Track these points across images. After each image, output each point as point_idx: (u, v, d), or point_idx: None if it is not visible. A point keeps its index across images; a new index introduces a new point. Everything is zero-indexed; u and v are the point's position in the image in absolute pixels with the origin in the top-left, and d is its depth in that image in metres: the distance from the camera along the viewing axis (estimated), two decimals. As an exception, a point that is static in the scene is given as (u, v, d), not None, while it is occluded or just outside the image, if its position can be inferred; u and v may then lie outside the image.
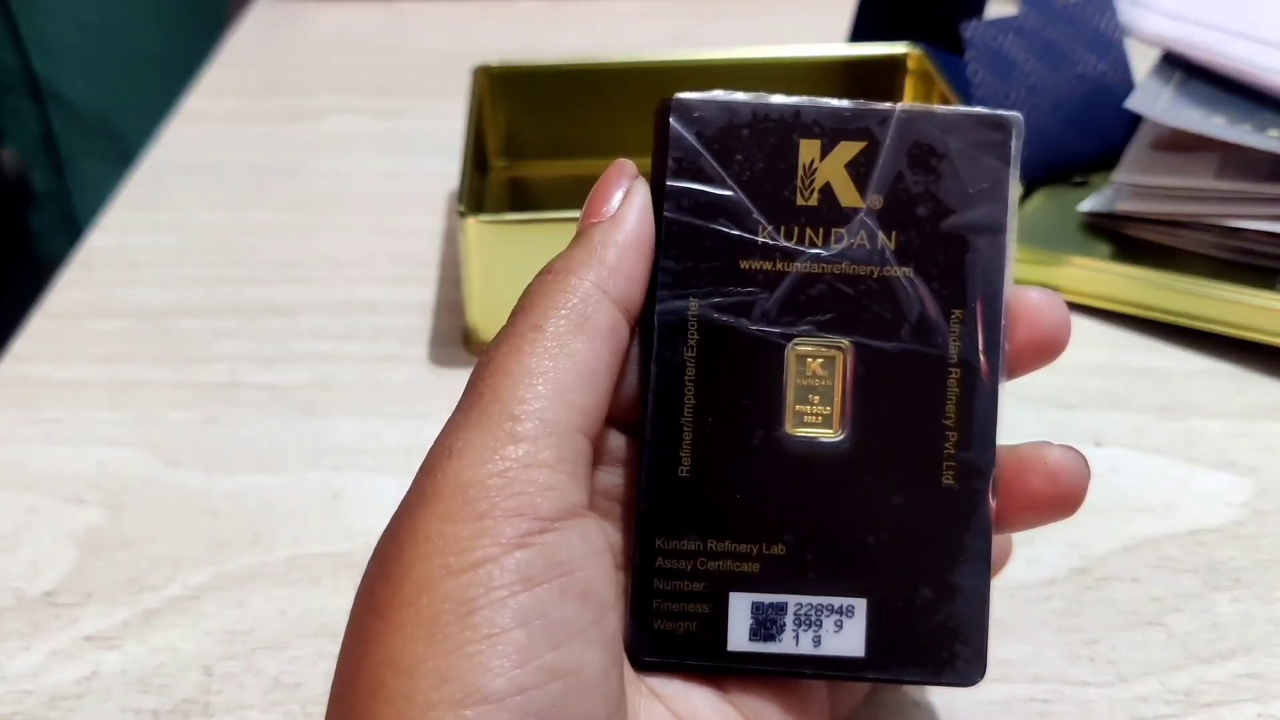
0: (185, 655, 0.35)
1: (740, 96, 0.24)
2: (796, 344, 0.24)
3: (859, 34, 0.63)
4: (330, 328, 0.50)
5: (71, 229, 0.87)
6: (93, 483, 0.41)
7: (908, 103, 0.25)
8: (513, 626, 0.20)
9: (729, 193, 0.24)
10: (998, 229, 0.24)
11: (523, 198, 0.58)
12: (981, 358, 0.24)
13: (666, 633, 0.24)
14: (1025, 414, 0.44)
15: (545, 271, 0.24)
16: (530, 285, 0.24)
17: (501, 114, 0.58)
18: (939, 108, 0.24)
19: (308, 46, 0.80)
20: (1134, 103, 0.51)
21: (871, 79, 0.58)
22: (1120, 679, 0.33)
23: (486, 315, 0.47)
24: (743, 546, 0.24)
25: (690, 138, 0.24)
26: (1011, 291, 0.24)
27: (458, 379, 0.47)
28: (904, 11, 0.61)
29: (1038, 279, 0.50)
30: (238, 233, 0.57)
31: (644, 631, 0.24)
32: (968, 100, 0.53)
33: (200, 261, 0.55)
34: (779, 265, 0.24)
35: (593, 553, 0.22)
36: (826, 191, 0.24)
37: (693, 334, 0.24)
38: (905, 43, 0.58)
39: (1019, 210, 0.49)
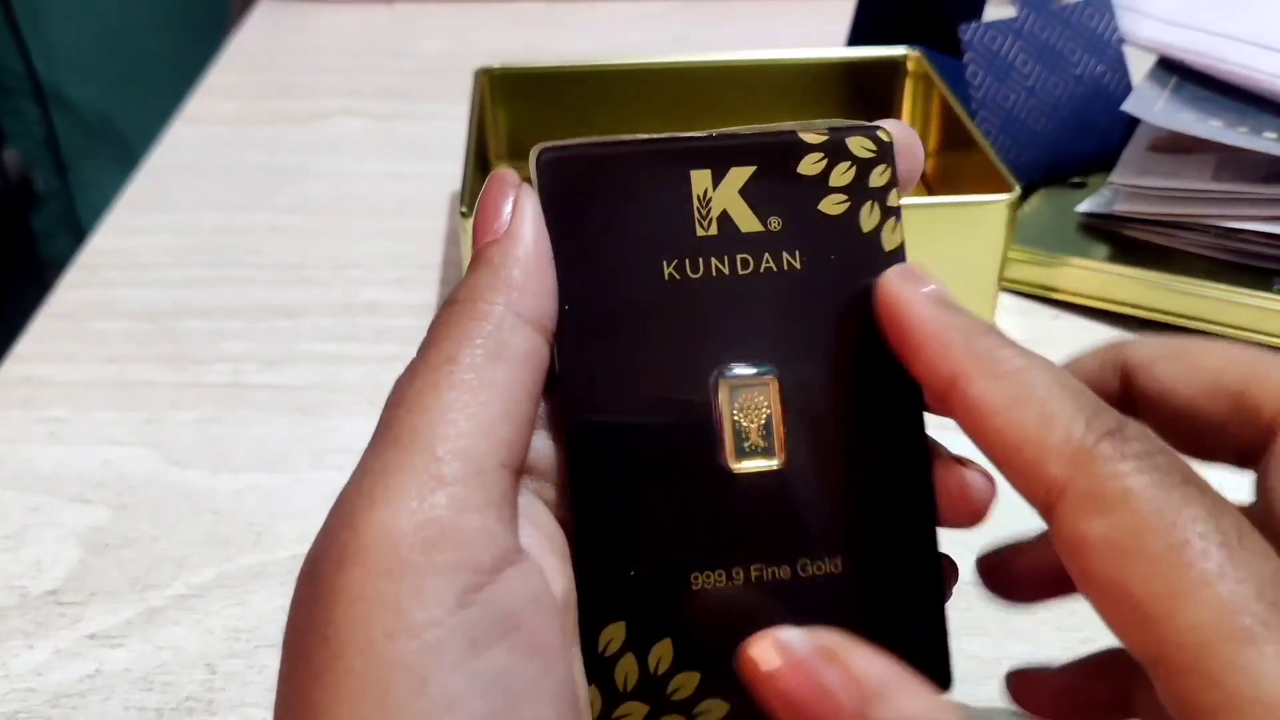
0: (189, 653, 0.35)
1: (613, 139, 0.24)
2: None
3: (858, 37, 0.63)
4: (333, 328, 0.50)
5: (75, 230, 0.87)
6: (97, 482, 0.42)
7: (795, 123, 0.24)
8: (468, 694, 0.19)
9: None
10: (888, 223, 0.24)
11: (524, 199, 0.58)
12: (901, 364, 0.23)
13: None
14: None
15: (451, 301, 0.22)
16: (437, 318, 0.22)
17: (503, 116, 0.58)
18: (824, 122, 0.24)
19: (310, 49, 0.80)
20: (1131, 105, 0.51)
21: (871, 81, 0.58)
22: (1117, 677, 0.33)
23: (488, 316, 0.47)
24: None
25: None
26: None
27: (459, 379, 0.47)
28: (903, 14, 0.61)
29: (1036, 280, 0.51)
30: (241, 234, 0.57)
31: None
32: (968, 103, 0.53)
33: (203, 262, 0.55)
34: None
35: (533, 600, 0.20)
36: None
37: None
38: (904, 45, 0.59)
39: (1020, 213, 0.49)
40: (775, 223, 0.24)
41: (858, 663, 0.20)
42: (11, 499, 0.41)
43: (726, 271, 0.23)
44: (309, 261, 0.55)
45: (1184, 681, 0.19)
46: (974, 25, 0.53)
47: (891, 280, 0.23)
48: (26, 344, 0.50)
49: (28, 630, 0.36)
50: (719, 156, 0.24)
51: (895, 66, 0.59)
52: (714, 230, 0.23)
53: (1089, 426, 0.20)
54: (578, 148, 0.23)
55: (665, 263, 0.23)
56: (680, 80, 0.59)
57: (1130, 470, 0.19)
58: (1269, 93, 0.49)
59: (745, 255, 0.24)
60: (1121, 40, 0.56)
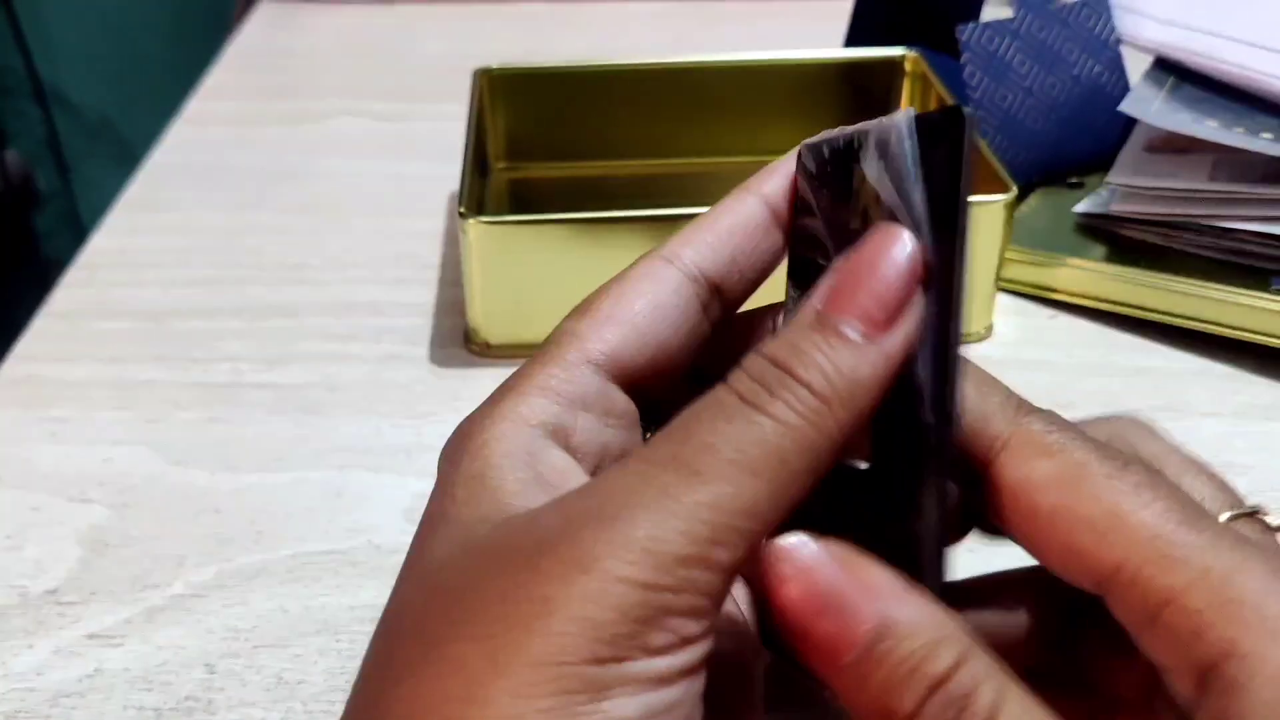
0: (188, 653, 0.35)
1: (839, 130, 0.25)
2: None
3: (856, 38, 0.63)
4: (333, 328, 0.50)
5: (76, 230, 0.87)
6: (97, 481, 0.42)
7: (901, 113, 0.24)
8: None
9: (818, 223, 0.25)
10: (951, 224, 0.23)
11: (523, 200, 0.58)
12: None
13: None
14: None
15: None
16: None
17: (502, 117, 0.59)
18: (911, 112, 0.24)
19: (310, 50, 0.80)
20: (1128, 106, 0.51)
21: (868, 82, 0.59)
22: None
23: (487, 316, 0.47)
24: None
25: (803, 176, 0.25)
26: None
27: (459, 379, 0.48)
28: (901, 15, 0.61)
29: (1033, 279, 0.51)
30: (241, 234, 0.57)
31: None
32: (965, 102, 0.53)
33: (204, 262, 0.55)
34: None
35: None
36: (864, 215, 0.24)
37: None
38: (902, 46, 0.59)
39: (1017, 213, 0.49)
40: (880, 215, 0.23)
41: (868, 569, 0.20)
42: (12, 498, 0.41)
43: None
44: (309, 261, 0.55)
45: (1144, 576, 0.20)
46: (971, 26, 0.53)
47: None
48: (27, 343, 0.50)
49: (27, 629, 0.36)
50: (871, 150, 0.24)
51: (893, 67, 0.59)
52: (858, 224, 0.24)
53: (1019, 404, 0.23)
54: (821, 138, 0.25)
55: (823, 258, 0.24)
56: (680, 80, 0.59)
57: (1057, 430, 0.22)
58: (1266, 93, 0.49)
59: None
60: (1119, 40, 0.56)
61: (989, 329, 0.49)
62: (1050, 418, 0.23)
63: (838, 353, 0.21)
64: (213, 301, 0.52)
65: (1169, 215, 0.49)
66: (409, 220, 0.58)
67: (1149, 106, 0.51)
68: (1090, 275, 0.49)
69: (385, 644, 0.20)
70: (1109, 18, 0.56)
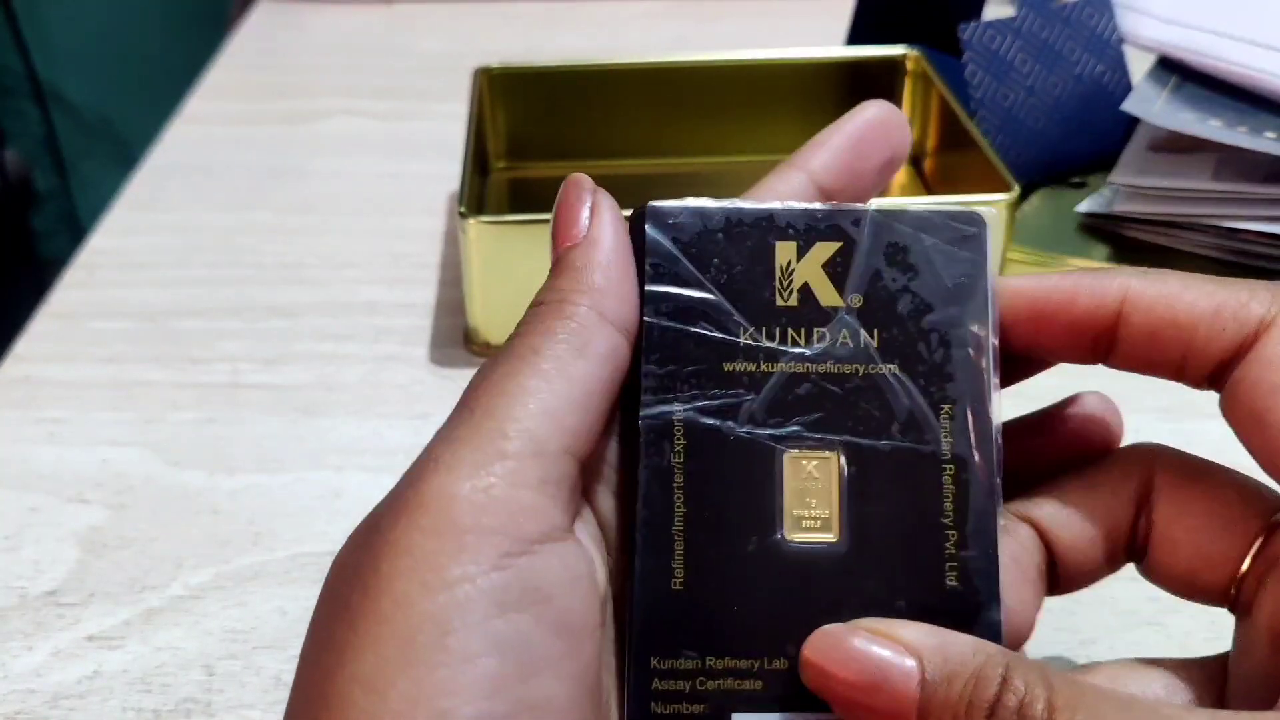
0: (187, 654, 0.35)
1: (713, 202, 0.24)
2: (788, 446, 0.23)
3: (857, 36, 0.63)
4: (331, 328, 0.50)
5: (74, 230, 0.87)
6: (95, 482, 0.42)
7: (880, 201, 0.25)
8: (485, 653, 0.20)
9: (709, 295, 0.24)
10: (978, 322, 0.24)
11: (523, 199, 0.58)
12: (975, 453, 0.23)
13: None
14: (1024, 414, 0.44)
15: (537, 303, 0.23)
16: (525, 316, 0.23)
17: (502, 115, 0.58)
18: (912, 207, 0.24)
19: (309, 49, 0.80)
20: (1131, 105, 0.51)
21: (870, 81, 0.58)
22: (1116, 678, 0.33)
23: (487, 316, 0.47)
24: (743, 663, 0.22)
25: (666, 243, 0.24)
26: (997, 389, 0.24)
27: (458, 379, 0.47)
28: (902, 14, 0.61)
29: (1036, 280, 0.51)
30: (239, 234, 0.57)
31: None
32: (967, 102, 0.53)
33: (202, 262, 0.55)
34: (763, 366, 0.23)
35: (572, 579, 0.21)
36: (805, 291, 0.24)
37: (679, 439, 0.23)
38: (903, 45, 0.58)
39: (1019, 212, 0.49)
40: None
41: (903, 633, 0.21)
42: (10, 499, 0.41)
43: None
44: (308, 261, 0.55)
45: None
46: (973, 24, 0.53)
47: (1012, 283, 0.25)
48: (25, 344, 0.50)
49: (26, 631, 0.36)
50: (805, 231, 0.24)
51: (894, 66, 0.59)
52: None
53: (1266, 286, 0.23)
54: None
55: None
56: (680, 80, 0.59)
57: None
58: (1269, 92, 0.49)
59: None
60: (1121, 40, 0.56)
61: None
62: None
63: None
64: (211, 301, 0.52)
65: (1172, 215, 0.49)
66: (408, 220, 0.58)
67: (1152, 106, 0.51)
68: (1092, 275, 0.49)
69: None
70: (1111, 16, 0.56)
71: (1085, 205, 0.52)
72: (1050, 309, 0.24)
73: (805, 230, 0.24)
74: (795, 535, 0.23)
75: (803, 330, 0.24)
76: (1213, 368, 0.23)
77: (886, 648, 0.21)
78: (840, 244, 0.24)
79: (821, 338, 0.24)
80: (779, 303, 0.24)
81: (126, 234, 0.58)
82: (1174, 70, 0.53)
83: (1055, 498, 0.26)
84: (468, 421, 0.22)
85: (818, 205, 0.24)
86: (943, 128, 0.56)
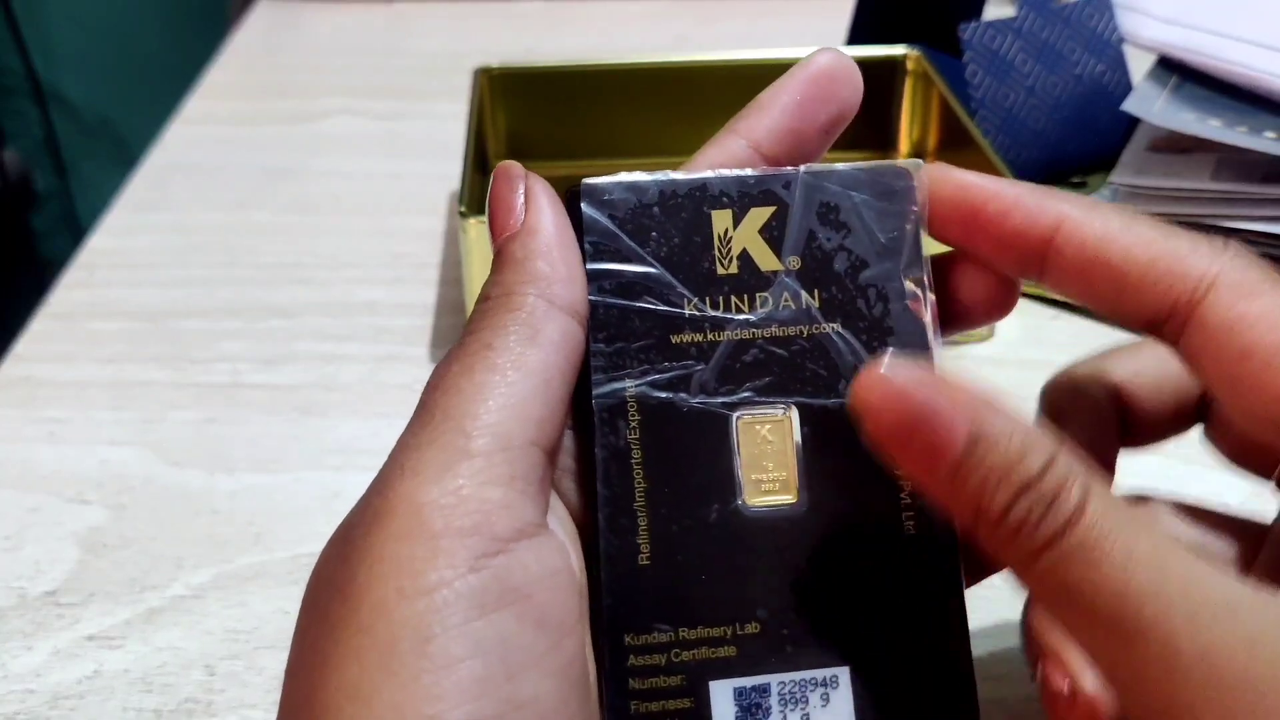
0: (187, 654, 0.35)
1: (646, 176, 0.24)
2: (740, 412, 0.23)
3: (858, 36, 0.63)
4: (331, 328, 0.50)
5: (73, 230, 0.87)
6: (95, 483, 0.42)
7: (809, 164, 0.25)
8: (468, 656, 0.19)
9: (650, 269, 0.24)
10: (914, 274, 0.24)
11: (523, 199, 0.58)
12: None
13: None
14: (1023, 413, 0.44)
15: (484, 298, 0.23)
16: (473, 314, 0.23)
17: (502, 115, 0.58)
18: (841, 165, 0.24)
19: (309, 48, 0.80)
20: (1131, 105, 0.51)
21: (870, 81, 0.58)
22: (1117, 677, 0.33)
23: (487, 316, 0.47)
24: (716, 630, 0.23)
25: (604, 220, 0.24)
26: (938, 337, 0.24)
27: (458, 379, 0.47)
28: (902, 13, 0.61)
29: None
30: (239, 234, 0.57)
31: None
32: (967, 102, 0.53)
33: (201, 262, 0.55)
34: (709, 335, 0.24)
35: (549, 574, 0.21)
36: (744, 258, 0.24)
37: (633, 415, 0.23)
38: (904, 45, 0.58)
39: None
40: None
41: (959, 386, 0.21)
42: (10, 499, 0.41)
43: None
44: (307, 261, 0.55)
45: None
46: (973, 24, 0.53)
47: (953, 176, 0.24)
48: (25, 344, 0.50)
49: (26, 631, 0.36)
50: (739, 197, 0.24)
51: (895, 66, 0.58)
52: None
53: (1211, 242, 0.22)
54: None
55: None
56: (680, 80, 0.59)
57: (1259, 267, 0.22)
58: (1269, 92, 0.49)
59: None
60: (1121, 39, 0.56)
61: (991, 329, 0.49)
62: (1248, 255, 0.22)
63: None
64: (210, 301, 0.52)
65: (1172, 215, 0.49)
66: (408, 219, 0.58)
67: (1152, 106, 0.51)
68: (1092, 275, 0.49)
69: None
70: (1111, 16, 0.56)
71: (1085, 205, 0.52)
72: (983, 218, 0.24)
73: (739, 197, 0.24)
74: (755, 499, 0.23)
75: (745, 296, 0.24)
76: (1147, 318, 0.23)
77: (946, 396, 0.20)
78: (774, 208, 0.24)
79: (764, 302, 0.24)
80: (720, 271, 0.24)
81: (126, 234, 0.58)
82: (1174, 70, 0.53)
83: (1132, 356, 0.27)
84: (429, 424, 0.21)
85: (749, 171, 0.24)
86: (943, 128, 0.56)
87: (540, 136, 0.59)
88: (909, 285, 0.24)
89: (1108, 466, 0.27)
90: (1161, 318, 0.23)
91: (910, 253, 0.24)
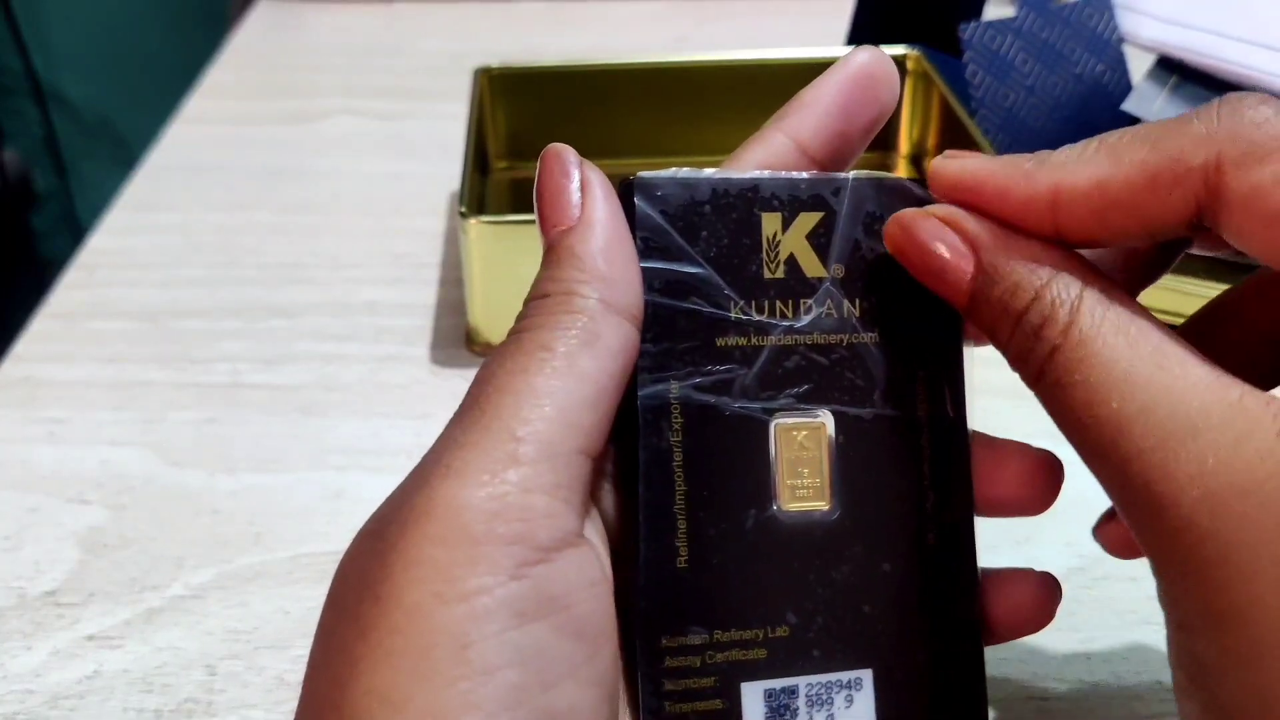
0: (188, 654, 0.35)
1: (698, 173, 0.24)
2: (779, 418, 0.24)
3: (858, 36, 0.63)
4: (332, 328, 0.50)
5: (74, 230, 0.87)
6: (95, 483, 0.42)
7: (858, 171, 0.25)
8: (506, 665, 0.19)
9: (699, 270, 0.23)
10: None
11: (524, 199, 0.58)
12: (949, 418, 0.24)
13: None
14: (1024, 413, 0.44)
15: (542, 294, 0.22)
16: (528, 309, 0.23)
17: (502, 115, 0.58)
18: (888, 175, 0.25)
19: (309, 48, 0.80)
20: (1130, 105, 0.51)
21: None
22: (1117, 678, 0.33)
23: (488, 316, 0.47)
24: (748, 633, 0.23)
25: (656, 216, 0.23)
26: (969, 353, 0.25)
27: (459, 379, 0.47)
28: (902, 13, 0.61)
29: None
30: (239, 234, 0.57)
31: None
32: (967, 102, 0.53)
33: (202, 262, 0.55)
34: (754, 340, 0.24)
35: (588, 584, 0.21)
36: (791, 263, 0.24)
37: (677, 417, 0.23)
38: (904, 45, 0.58)
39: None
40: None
41: (969, 225, 0.23)
42: (10, 499, 0.41)
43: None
44: (307, 261, 0.55)
45: None
46: (973, 24, 0.53)
47: (944, 166, 0.24)
48: (25, 344, 0.49)
49: (26, 631, 0.36)
50: (789, 201, 0.24)
51: (895, 66, 0.58)
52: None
53: (1198, 118, 0.21)
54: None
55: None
56: (680, 80, 0.59)
57: (1257, 123, 0.21)
58: (1268, 92, 0.49)
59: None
60: (1121, 39, 0.56)
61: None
62: (1241, 112, 0.21)
63: None
64: (211, 301, 0.52)
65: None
66: (408, 220, 0.58)
67: (1151, 105, 0.51)
68: (1093, 275, 0.49)
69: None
70: (1111, 16, 0.56)
71: (1085, 205, 0.52)
72: (985, 203, 0.23)
73: (789, 201, 0.24)
74: (790, 505, 0.24)
75: (790, 302, 0.24)
76: (1183, 227, 0.22)
77: (949, 237, 0.23)
78: (823, 214, 0.24)
79: (808, 309, 0.24)
80: (766, 275, 0.24)
81: (126, 234, 0.58)
82: (1174, 70, 0.53)
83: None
84: (477, 423, 0.21)
85: (800, 175, 0.24)
86: (943, 128, 0.56)
87: (540, 136, 0.58)
88: (945, 301, 0.24)
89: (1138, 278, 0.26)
90: (1193, 219, 0.22)
91: None
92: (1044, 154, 0.23)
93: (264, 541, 0.39)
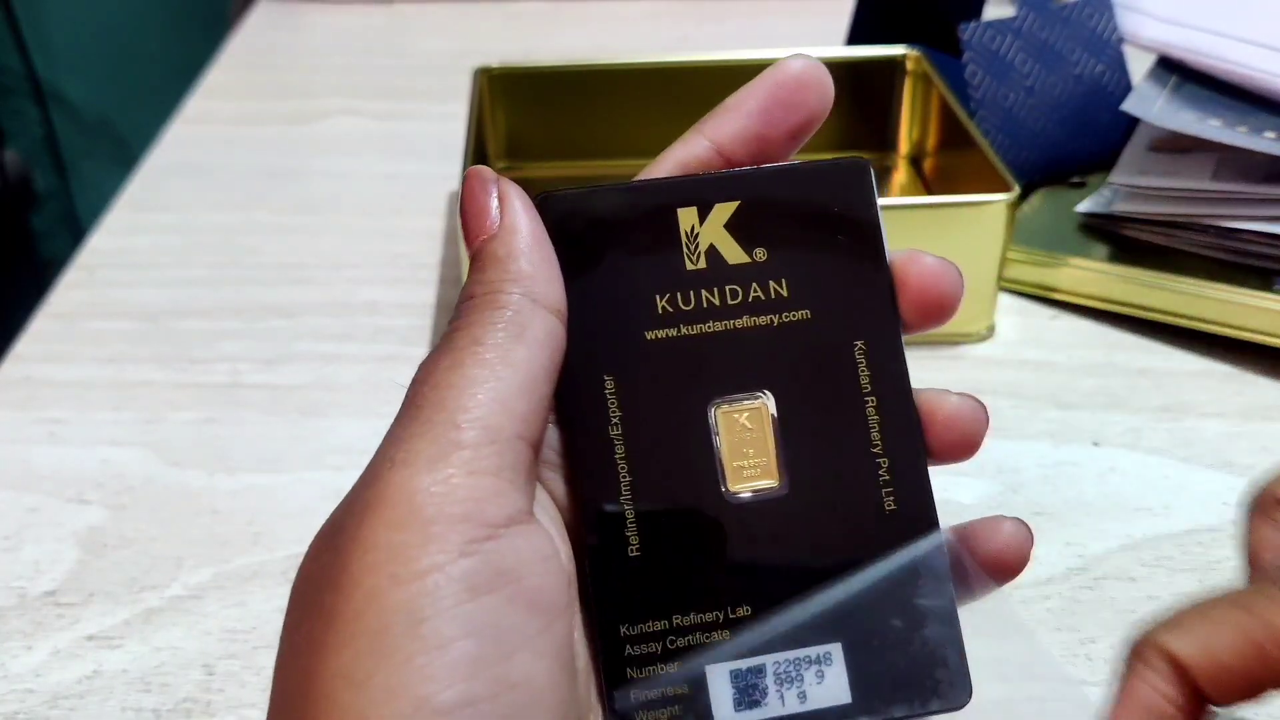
0: (186, 654, 0.35)
1: (608, 186, 0.25)
2: (718, 403, 0.24)
3: (858, 36, 0.63)
4: (331, 328, 0.50)
5: (74, 230, 0.87)
6: (95, 483, 0.42)
7: (768, 165, 0.25)
8: (461, 637, 0.20)
9: (620, 269, 0.24)
10: (875, 260, 0.25)
11: (523, 199, 0.58)
12: (892, 382, 0.25)
13: None
14: (1023, 413, 0.44)
15: (469, 296, 0.24)
16: (457, 311, 0.24)
17: (502, 115, 0.58)
18: (798, 162, 0.25)
19: (309, 49, 0.80)
20: (1131, 105, 0.51)
21: (870, 81, 0.58)
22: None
23: (486, 316, 0.47)
24: (709, 615, 0.23)
25: (571, 225, 0.25)
26: (900, 319, 0.25)
27: (458, 379, 0.47)
28: (902, 14, 0.61)
29: (1035, 279, 0.51)
30: (239, 234, 0.57)
31: None
32: (967, 102, 0.53)
33: (201, 262, 0.55)
34: (684, 330, 0.24)
35: (540, 558, 0.22)
36: (713, 253, 0.25)
37: (614, 411, 0.24)
38: (903, 45, 0.58)
39: (1019, 212, 0.49)
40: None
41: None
42: (10, 499, 0.41)
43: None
44: (307, 261, 0.55)
45: None
46: (973, 25, 0.53)
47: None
48: (25, 344, 0.50)
49: (26, 631, 0.36)
50: (702, 196, 0.25)
51: (894, 66, 0.58)
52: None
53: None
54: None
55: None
56: (680, 80, 0.59)
57: None
58: (1269, 92, 0.49)
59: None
60: (1121, 39, 0.56)
61: (990, 329, 0.49)
62: None
63: None
64: (210, 301, 0.52)
65: (1171, 215, 0.49)
66: (408, 220, 0.58)
67: (1151, 106, 0.51)
68: (1092, 275, 0.49)
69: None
70: (1111, 16, 0.56)
71: (1085, 205, 0.52)
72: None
73: (702, 195, 0.25)
74: (738, 485, 0.24)
75: (715, 290, 0.24)
76: None
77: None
78: (738, 203, 0.25)
79: (735, 295, 0.24)
80: (689, 267, 0.24)
81: (126, 234, 0.58)
82: (1174, 70, 0.53)
83: None
84: (418, 417, 0.22)
85: (711, 173, 0.25)
86: (943, 128, 0.56)
87: (540, 136, 0.59)
88: (872, 270, 0.25)
89: None
90: None
91: (871, 240, 0.25)
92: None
93: (262, 541, 0.39)
